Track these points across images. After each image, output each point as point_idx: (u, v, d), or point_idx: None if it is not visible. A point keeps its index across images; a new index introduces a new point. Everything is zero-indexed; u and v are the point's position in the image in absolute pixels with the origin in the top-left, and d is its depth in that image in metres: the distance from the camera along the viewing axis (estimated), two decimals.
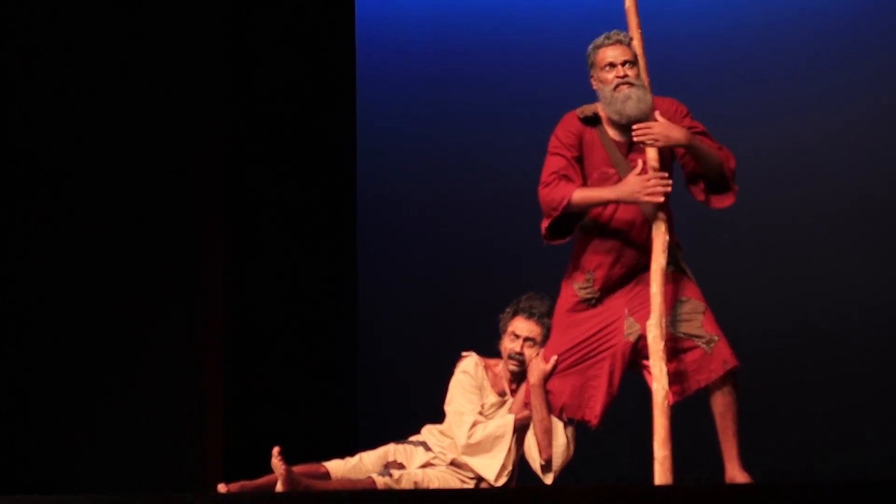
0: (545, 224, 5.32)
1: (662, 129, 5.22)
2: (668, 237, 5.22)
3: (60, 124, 7.56)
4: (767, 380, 7.16)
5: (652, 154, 5.26)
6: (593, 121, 5.39)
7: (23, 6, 7.54)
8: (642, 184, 5.18)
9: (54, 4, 7.58)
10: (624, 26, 5.47)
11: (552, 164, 5.35)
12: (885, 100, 7.58)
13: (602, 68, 5.35)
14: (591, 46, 5.40)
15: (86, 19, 7.56)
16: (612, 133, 5.37)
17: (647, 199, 5.18)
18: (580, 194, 5.26)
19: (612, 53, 5.34)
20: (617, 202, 5.27)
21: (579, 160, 5.35)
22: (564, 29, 7.93)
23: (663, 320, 5.14)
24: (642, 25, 5.46)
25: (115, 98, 7.56)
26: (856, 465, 7.18)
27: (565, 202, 5.24)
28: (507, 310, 5.98)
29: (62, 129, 7.55)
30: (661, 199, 5.18)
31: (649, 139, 5.21)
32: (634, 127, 5.23)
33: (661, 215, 5.23)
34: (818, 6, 7.76)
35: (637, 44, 5.42)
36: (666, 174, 5.22)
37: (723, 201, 5.41)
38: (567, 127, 5.39)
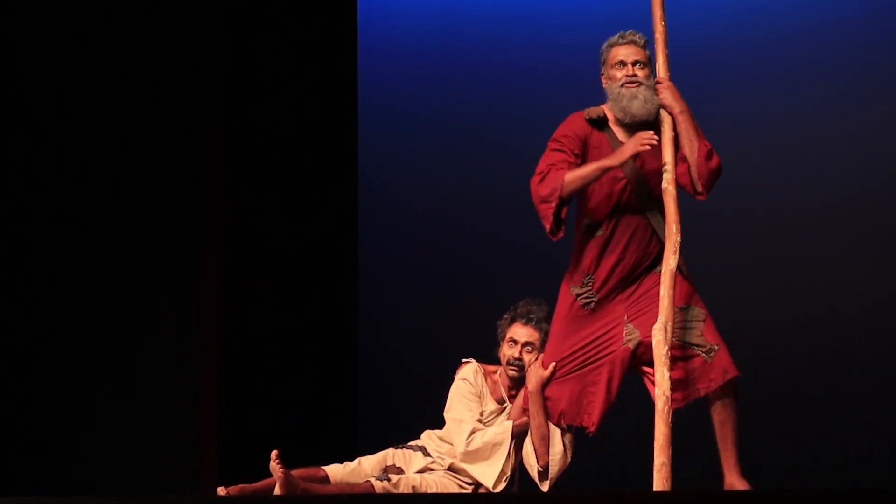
0: (548, 212, 5.23)
1: (669, 91, 5.29)
2: (679, 238, 5.20)
3: (59, 124, 7.55)
4: (765, 385, 7.16)
5: (668, 159, 5.27)
6: (601, 123, 5.39)
7: (21, 3, 7.53)
8: (636, 140, 5.20)
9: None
10: (625, 25, 5.47)
11: (549, 157, 5.32)
12: (886, 100, 7.60)
13: (613, 66, 5.38)
14: (605, 44, 5.43)
15: (84, 16, 7.55)
16: (621, 136, 5.37)
17: (641, 148, 5.17)
18: (572, 175, 5.22)
19: (623, 52, 5.37)
20: (613, 167, 5.22)
21: (579, 157, 5.31)
22: (568, 27, 7.93)
23: (670, 325, 5.13)
24: (649, 22, 5.43)
25: (115, 100, 7.55)
26: (855, 471, 7.19)
27: (558, 189, 5.19)
28: (505, 316, 5.99)
29: (61, 129, 7.55)
30: (654, 141, 5.18)
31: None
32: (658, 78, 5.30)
33: (674, 214, 5.21)
34: (825, 6, 7.77)
35: (659, 36, 5.38)
36: (652, 133, 5.22)
37: (701, 195, 5.34)
38: (571, 126, 5.38)
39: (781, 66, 7.79)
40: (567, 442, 5.66)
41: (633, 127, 5.33)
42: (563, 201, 5.22)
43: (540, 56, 8.05)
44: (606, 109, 5.41)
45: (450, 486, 5.88)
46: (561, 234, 5.29)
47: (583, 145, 5.35)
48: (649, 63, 5.39)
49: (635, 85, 5.32)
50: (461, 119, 8.20)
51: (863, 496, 4.67)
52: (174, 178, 7.53)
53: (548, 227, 5.26)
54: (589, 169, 5.24)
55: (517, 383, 5.88)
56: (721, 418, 5.25)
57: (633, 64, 5.35)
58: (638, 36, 5.40)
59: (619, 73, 5.36)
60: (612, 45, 5.41)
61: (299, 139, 8.03)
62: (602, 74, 5.44)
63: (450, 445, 5.95)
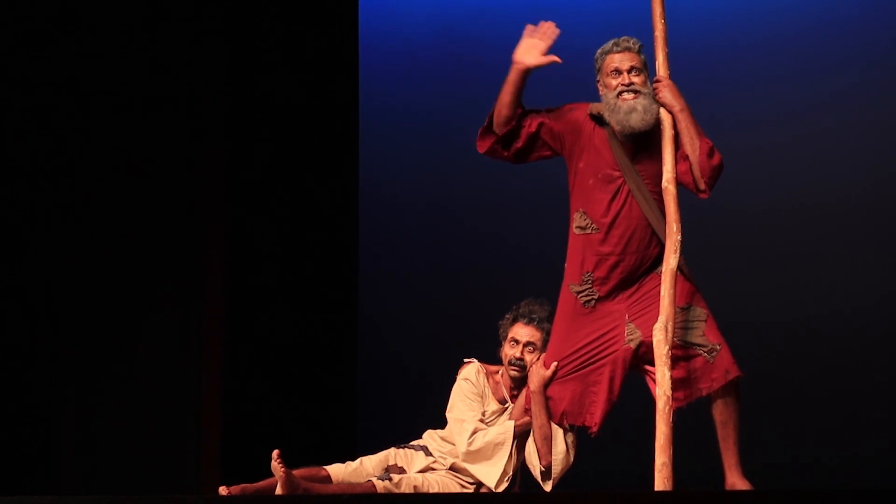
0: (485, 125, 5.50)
1: (669, 89, 5.24)
2: (680, 237, 5.17)
3: (60, 123, 7.54)
4: (767, 385, 7.16)
5: (668, 158, 5.26)
6: (604, 121, 5.36)
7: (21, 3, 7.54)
8: (528, 38, 5.45)
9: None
10: (626, 24, 5.45)
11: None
12: (887, 100, 7.61)
13: (608, 74, 5.32)
14: (598, 52, 5.37)
15: (85, 15, 7.56)
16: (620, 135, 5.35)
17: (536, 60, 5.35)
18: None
19: (618, 59, 5.30)
20: (520, 74, 5.37)
21: (545, 120, 5.38)
22: (569, 25, 7.89)
23: (670, 324, 5.12)
24: (649, 20, 5.38)
25: (116, 98, 7.55)
26: (855, 471, 7.20)
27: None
28: (507, 316, 5.99)
29: (61, 129, 7.54)
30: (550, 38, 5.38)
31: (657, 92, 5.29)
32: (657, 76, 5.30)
33: (675, 213, 5.19)
34: (825, 6, 7.78)
35: (659, 35, 5.32)
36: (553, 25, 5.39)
37: (704, 193, 5.32)
38: (571, 106, 5.40)
39: (782, 64, 7.79)
40: (570, 442, 5.67)
41: (632, 134, 5.30)
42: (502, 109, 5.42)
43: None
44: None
45: (451, 485, 5.88)
46: (490, 142, 5.55)
47: (562, 125, 5.38)
48: (645, 68, 5.33)
49: (633, 95, 5.27)
50: (462, 118, 8.16)
51: (863, 496, 4.67)
52: (174, 178, 7.53)
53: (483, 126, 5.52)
54: (504, 87, 5.40)
55: (519, 383, 5.89)
56: (723, 418, 5.24)
57: (629, 71, 5.29)
58: (632, 42, 5.34)
59: (615, 82, 5.29)
60: (605, 53, 5.35)
61: (300, 137, 8.02)
62: (598, 82, 5.38)
63: (452, 445, 5.95)
